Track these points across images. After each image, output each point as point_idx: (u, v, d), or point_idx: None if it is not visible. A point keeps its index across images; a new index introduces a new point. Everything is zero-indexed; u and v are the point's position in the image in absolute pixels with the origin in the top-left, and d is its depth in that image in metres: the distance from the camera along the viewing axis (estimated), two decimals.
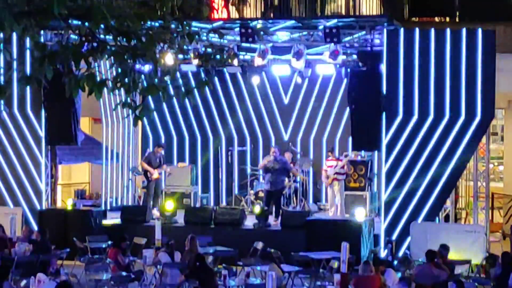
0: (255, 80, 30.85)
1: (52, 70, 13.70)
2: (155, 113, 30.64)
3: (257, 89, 31.87)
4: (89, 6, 13.63)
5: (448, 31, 28.13)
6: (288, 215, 28.88)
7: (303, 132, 32.63)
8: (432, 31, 28.06)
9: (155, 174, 29.87)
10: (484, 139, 29.56)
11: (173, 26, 18.16)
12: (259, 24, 28.82)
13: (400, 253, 27.21)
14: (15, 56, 20.07)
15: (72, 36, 14.66)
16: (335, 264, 24.70)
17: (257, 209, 29.28)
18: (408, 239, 27.48)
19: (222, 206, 30.97)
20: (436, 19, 31.69)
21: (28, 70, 15.25)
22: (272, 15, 32.81)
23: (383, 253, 27.39)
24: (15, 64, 18.47)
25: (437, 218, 28.52)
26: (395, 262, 25.41)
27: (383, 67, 27.52)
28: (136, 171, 31.47)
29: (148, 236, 27.57)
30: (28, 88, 24.01)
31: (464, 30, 27.82)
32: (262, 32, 28.39)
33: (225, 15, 32.31)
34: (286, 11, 32.38)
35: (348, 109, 29.49)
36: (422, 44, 27.74)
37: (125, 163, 31.94)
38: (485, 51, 27.16)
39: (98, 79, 14.29)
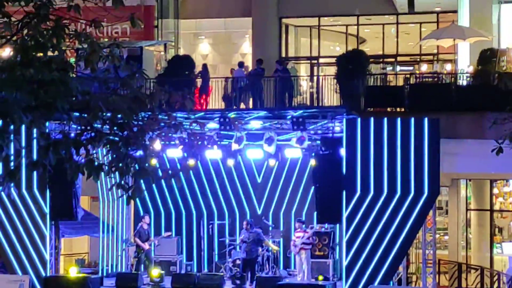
0: (231, 162, 30.99)
1: (56, 157, 15.08)
2: (146, 194, 30.96)
3: (234, 170, 32.28)
4: (87, 101, 15.01)
5: (398, 120, 28.94)
6: (261, 280, 29.18)
7: (274, 207, 33.02)
8: (385, 120, 28.89)
9: (145, 246, 30.70)
10: (431, 213, 30.18)
11: (160, 117, 19.48)
12: (234, 115, 29.99)
13: None
14: (23, 144, 20.85)
15: (73, 126, 15.99)
16: None
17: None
18: None
19: (204, 272, 31.44)
20: (388, 109, 32.21)
21: (34, 156, 16.35)
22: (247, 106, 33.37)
23: None
24: (23, 151, 19.75)
25: (391, 282, 28.89)
26: None
27: (343, 151, 28.34)
28: (129, 242, 31.90)
29: None
30: (35, 172, 25.22)
31: (412, 119, 28.51)
32: (236, 122, 29.42)
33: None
34: (260, 102, 32.88)
35: (313, 187, 30.26)
36: (376, 131, 28.41)
37: (119, 236, 32.13)
38: (430, 136, 27.91)
39: (96, 164, 15.70)
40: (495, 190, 35.74)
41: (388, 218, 28.12)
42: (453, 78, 33.88)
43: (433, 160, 27.77)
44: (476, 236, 35.26)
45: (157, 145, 24.06)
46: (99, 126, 16.10)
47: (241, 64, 35.76)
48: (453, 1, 36.74)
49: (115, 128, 16.10)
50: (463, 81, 32.56)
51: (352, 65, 32.78)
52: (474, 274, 33.72)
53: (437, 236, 33.37)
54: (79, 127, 16.09)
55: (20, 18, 13.56)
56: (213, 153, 30.28)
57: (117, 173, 16.01)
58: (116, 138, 16.05)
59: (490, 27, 34.48)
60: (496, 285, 32.68)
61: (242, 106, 33.47)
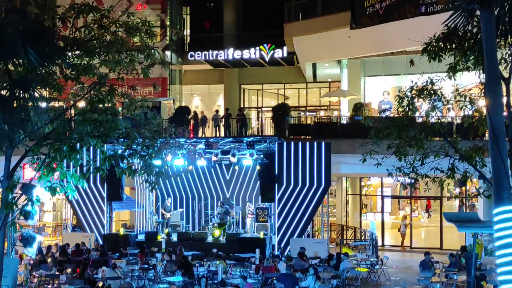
0: (211, 167, 30.86)
1: (110, 164, 15.02)
2: (162, 185, 30.77)
3: (213, 171, 31.59)
4: (128, 132, 15.09)
5: (307, 143, 28.63)
6: (229, 235, 29.02)
7: (236, 192, 32.30)
8: (300, 143, 28.63)
9: (167, 215, 30.56)
10: (326, 196, 30.38)
11: (171, 141, 19.62)
12: (213, 140, 30.01)
13: (285, 253, 27.31)
14: (91, 157, 20.81)
15: (120, 146, 16.02)
16: (253, 260, 25.34)
17: (216, 233, 29.31)
18: (289, 246, 27.72)
19: (196, 231, 30.89)
20: (302, 137, 31.61)
21: (97, 164, 16.34)
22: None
23: (277, 253, 27.38)
24: (91, 162, 19.65)
25: (303, 236, 28.57)
26: (283, 258, 25.08)
27: (275, 161, 28.26)
28: (153, 214, 31.64)
29: (158, 246, 28.32)
30: (98, 173, 25.03)
31: (315, 143, 28.21)
32: (214, 144, 29.55)
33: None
34: (228, 132, 32.75)
35: (258, 181, 30.06)
36: (295, 149, 27.93)
37: (146, 210, 31.82)
38: (325, 152, 27.59)
39: (133, 168, 15.79)
40: (362, 183, 35.66)
41: (301, 199, 27.88)
42: (338, 119, 34.12)
43: (327, 166, 27.70)
44: (351, 209, 35.25)
45: (169, 157, 24.49)
46: (135, 147, 16.16)
47: (217, 111, 35.77)
48: (338, 75, 36.81)
49: (144, 148, 16.19)
50: (344, 121, 32.67)
51: (281, 112, 32.71)
52: (351, 231, 33.78)
53: (330, 209, 33.40)
54: (123, 147, 16.24)
55: (89, 84, 13.61)
56: (201, 162, 30.00)
57: (145, 174, 16.12)
58: (144, 154, 16.13)
59: (359, 90, 34.55)
60: (363, 237, 32.81)
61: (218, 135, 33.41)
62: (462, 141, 14.72)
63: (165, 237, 29.60)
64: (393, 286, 21.63)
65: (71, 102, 13.77)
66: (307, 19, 35.50)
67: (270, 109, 35.20)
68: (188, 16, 40.69)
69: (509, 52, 10.10)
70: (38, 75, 11.82)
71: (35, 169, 13.67)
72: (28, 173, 16.61)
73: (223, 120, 33.43)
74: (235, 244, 28.40)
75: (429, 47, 13.40)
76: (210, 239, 29.51)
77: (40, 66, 11.22)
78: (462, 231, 12.48)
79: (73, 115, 13.74)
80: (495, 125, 9.40)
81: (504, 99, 11.21)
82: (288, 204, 28.38)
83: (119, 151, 18.32)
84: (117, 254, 27.27)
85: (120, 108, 17.88)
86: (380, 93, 32.59)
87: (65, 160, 14.60)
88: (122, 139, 16.67)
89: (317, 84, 39.10)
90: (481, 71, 11.52)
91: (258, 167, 29.81)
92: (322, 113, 38.00)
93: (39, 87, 12.14)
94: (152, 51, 14.54)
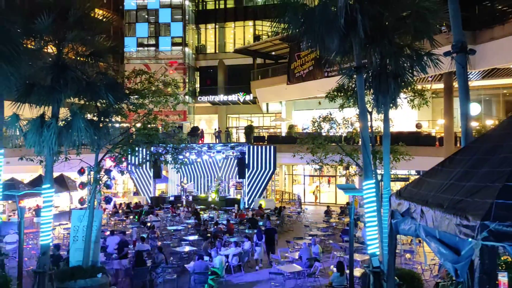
0: (210, 160, 30.75)
1: (154, 158, 14.89)
2: (183, 170, 30.60)
3: (211, 162, 30.86)
4: (164, 140, 14.95)
5: (264, 146, 28.15)
6: (220, 197, 28.55)
7: (225, 173, 30.89)
8: (260, 146, 28.11)
9: (185, 186, 30.09)
10: (273, 175, 30.11)
11: (188, 145, 19.41)
12: (212, 145, 29.81)
13: (251, 207, 26.66)
14: (144, 155, 20.74)
15: (160, 148, 15.86)
16: (233, 210, 25.35)
17: (213, 196, 29.08)
18: (253, 203, 27.20)
19: (202, 195, 30.09)
20: (261, 143, 30.81)
21: (147, 158, 16.25)
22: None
23: (246, 206, 27.32)
24: (141, 158, 19.27)
25: (261, 197, 27.72)
26: (250, 209, 24.86)
27: (246, 156, 27.89)
28: (178, 185, 31.10)
29: (181, 203, 27.89)
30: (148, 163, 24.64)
31: (268, 146, 27.93)
32: (212, 148, 29.33)
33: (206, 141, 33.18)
34: (220, 140, 32.63)
35: (236, 168, 29.19)
36: (257, 150, 27.65)
37: (174, 183, 31.09)
38: (273, 152, 27.48)
39: (166, 160, 15.54)
40: (293, 168, 34.81)
41: (260, 176, 27.74)
42: (280, 133, 34.22)
43: (274, 159, 27.72)
44: (289, 183, 35.16)
45: (187, 154, 24.12)
46: (168, 149, 15.92)
47: (215, 129, 35.45)
48: (280, 109, 36.94)
49: (173, 149, 15.91)
50: (283, 134, 32.67)
51: (249, 129, 32.73)
52: (287, 194, 33.53)
53: (275, 182, 33.30)
54: (161, 149, 15.95)
55: (142, 114, 13.55)
56: (205, 157, 29.80)
57: (173, 164, 15.85)
58: (173, 152, 15.91)
59: (291, 117, 34.79)
60: (293, 197, 32.22)
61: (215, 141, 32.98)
62: (346, 145, 14.88)
63: (185, 198, 29.20)
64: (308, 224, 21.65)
65: (133, 124, 13.69)
66: (263, 79, 35.78)
67: (244, 128, 35.07)
68: (198, 77, 40.61)
69: (371, 97, 10.22)
70: (114, 109, 11.80)
71: (112, 161, 13.69)
72: (108, 163, 16.39)
73: (217, 134, 33.39)
74: (223, 202, 28.12)
75: (329, 94, 13.54)
76: (210, 199, 29.08)
77: (115, 103, 11.21)
78: (347, 194, 12.60)
79: (133, 131, 13.65)
80: (364, 137, 9.55)
81: (369, 123, 11.38)
82: (253, 180, 28.09)
83: (160, 150, 18.22)
84: (158, 207, 26.88)
85: (160, 127, 17.98)
86: (302, 119, 31.99)
87: (129, 156, 14.53)
88: (161, 144, 16.67)
89: (269, 114, 39.04)
90: (356, 107, 11.64)
91: (236, 160, 29.20)
92: (271, 130, 37.91)
93: (114, 115, 12.13)
94: (178, 96, 14.70)
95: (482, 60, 19.74)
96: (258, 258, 15.52)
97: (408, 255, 14.72)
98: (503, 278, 5.26)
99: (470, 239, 2.96)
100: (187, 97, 35.59)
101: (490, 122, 25.16)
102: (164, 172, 31.18)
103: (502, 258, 8.22)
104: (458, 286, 7.35)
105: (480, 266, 2.85)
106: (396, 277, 8.87)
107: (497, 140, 3.98)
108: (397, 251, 15.05)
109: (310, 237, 16.78)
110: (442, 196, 3.83)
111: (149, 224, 19.88)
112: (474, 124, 22.98)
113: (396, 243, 5.71)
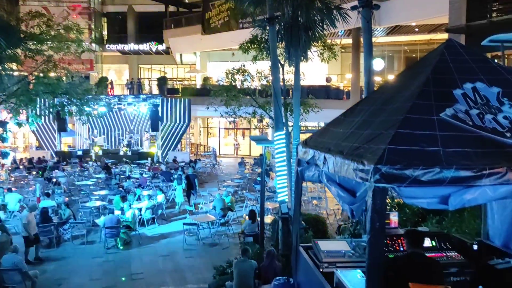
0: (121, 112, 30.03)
1: (56, 110, 13.82)
2: (92, 122, 29.17)
3: (123, 114, 30.45)
4: (67, 91, 13.93)
5: (178, 99, 27.65)
6: (133, 150, 27.82)
7: (137, 126, 30.06)
8: (173, 99, 27.59)
9: (95, 139, 28.51)
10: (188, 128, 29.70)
11: (96, 97, 18.19)
12: (123, 96, 28.38)
13: (165, 160, 26.57)
14: (46, 105, 19.18)
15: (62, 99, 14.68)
16: (147, 164, 24.98)
17: (124, 149, 28.41)
18: (168, 156, 26.86)
19: (113, 148, 29.08)
20: (175, 95, 30.12)
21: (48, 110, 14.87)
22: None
23: (160, 160, 27.08)
24: (43, 108, 17.86)
25: (175, 150, 27.24)
26: (164, 162, 24.93)
27: (159, 109, 27.08)
28: (87, 138, 29.80)
29: (90, 158, 26.96)
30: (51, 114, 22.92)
31: (182, 99, 27.24)
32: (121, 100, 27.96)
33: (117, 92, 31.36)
34: (132, 92, 31.26)
35: (150, 120, 28.09)
36: (170, 102, 27.21)
37: (82, 137, 29.34)
38: (188, 104, 26.81)
39: (71, 112, 14.37)
40: (209, 120, 34.81)
41: (174, 129, 27.14)
42: (195, 85, 33.70)
43: (189, 111, 27.15)
44: (203, 135, 34.88)
45: (95, 106, 22.88)
46: (74, 100, 14.89)
47: (126, 81, 33.75)
48: (195, 61, 36.16)
49: (78, 100, 14.86)
50: (198, 86, 32.17)
51: (162, 81, 31.67)
52: (202, 147, 33.30)
53: (190, 135, 32.83)
54: (65, 100, 14.79)
55: (41, 61, 12.43)
56: (116, 110, 28.33)
57: (79, 115, 14.79)
58: (78, 103, 14.89)
59: (206, 69, 34.30)
60: (209, 150, 32.09)
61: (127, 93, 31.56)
62: (260, 98, 15.04)
63: (94, 152, 27.97)
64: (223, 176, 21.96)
65: (31, 72, 12.56)
66: (176, 28, 34.39)
67: (156, 79, 33.82)
68: (105, 24, 38.15)
69: (283, 50, 10.33)
70: (7, 55, 10.70)
71: (8, 112, 12.62)
72: (4, 115, 15.05)
73: (129, 85, 31.97)
74: (136, 155, 27.40)
75: (242, 46, 13.43)
76: (121, 153, 28.18)
77: (8, 49, 10.14)
78: (259, 145, 12.94)
79: (32, 79, 12.54)
80: (276, 89, 9.72)
81: (281, 76, 11.55)
82: (167, 132, 27.44)
83: (64, 101, 17.04)
84: (64, 162, 25.46)
85: (64, 77, 16.69)
86: (218, 71, 31.27)
87: (28, 107, 13.45)
88: (64, 95, 15.60)
89: (183, 66, 37.99)
90: (269, 60, 11.75)
91: (150, 113, 28.12)
92: (186, 82, 37.06)
93: (7, 62, 11.02)
94: (82, 43, 13.70)
95: (387, 17, 20.80)
96: (178, 201, 16.33)
97: (315, 202, 15.66)
98: (394, 217, 5.86)
99: (365, 182, 3.16)
100: (93, 44, 33.09)
101: (392, 77, 26.85)
102: (70, 126, 29.32)
103: (395, 201, 9.16)
104: (356, 226, 8.04)
105: (372, 206, 3.08)
106: (303, 222, 9.49)
107: (393, 91, 4.27)
108: (305, 198, 16.16)
109: (224, 188, 17.15)
110: (343, 144, 4.04)
111: (54, 180, 18.81)
112: (377, 78, 24.46)
113: (302, 189, 6.01)
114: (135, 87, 31.81)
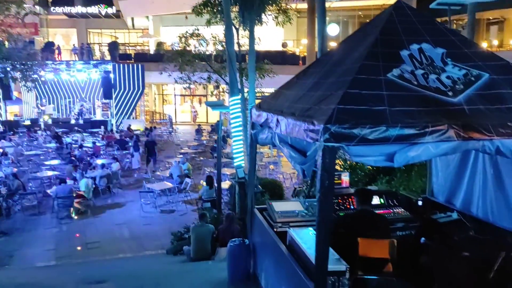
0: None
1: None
2: (40, 90, 27.88)
3: (73, 82, 29.14)
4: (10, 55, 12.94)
5: (131, 65, 26.93)
6: (85, 118, 26.96)
7: (89, 94, 28.89)
8: (126, 65, 26.86)
9: (43, 108, 27.53)
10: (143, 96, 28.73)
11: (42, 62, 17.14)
12: (72, 62, 27.06)
13: (119, 128, 26.23)
14: None
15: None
16: (100, 132, 24.20)
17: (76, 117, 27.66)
18: (122, 124, 26.23)
19: (64, 117, 27.99)
20: (127, 61, 28.84)
21: None
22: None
23: (114, 129, 26.54)
24: None
25: (130, 118, 27.04)
26: (118, 131, 24.49)
27: (111, 75, 26.24)
28: (35, 107, 28.41)
29: (39, 127, 25.78)
30: None
31: (135, 65, 26.58)
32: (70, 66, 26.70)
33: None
34: (81, 58, 29.79)
35: (102, 87, 27.01)
36: (123, 68, 26.52)
37: (29, 105, 28.09)
38: (141, 70, 26.28)
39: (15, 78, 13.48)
40: (164, 87, 33.99)
41: (128, 97, 26.48)
42: (148, 51, 32.59)
43: (142, 78, 26.48)
44: (159, 103, 34.21)
45: (42, 73, 21.65)
46: (18, 66, 14.04)
47: (74, 45, 32.12)
48: (147, 25, 34.91)
49: (22, 65, 13.90)
50: (151, 52, 31.17)
51: (113, 46, 30.33)
52: (158, 114, 32.82)
53: (145, 102, 32.18)
54: (7, 65, 13.91)
55: None
56: (65, 77, 27.07)
57: (24, 82, 13.86)
58: (22, 69, 14.00)
59: (159, 34, 33.16)
60: (164, 117, 31.56)
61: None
62: (215, 64, 14.80)
63: (43, 121, 26.84)
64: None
65: None
66: None
67: (107, 44, 32.36)
68: None
69: (237, 12, 10.12)
70: None
71: None
72: None
73: (78, 50, 30.42)
74: (89, 124, 26.68)
75: (195, 8, 13.02)
76: (73, 121, 27.21)
77: None
78: (214, 110, 12.86)
79: None
80: (230, 53, 9.59)
81: (235, 40, 11.37)
82: (121, 100, 26.77)
83: (7, 68, 16.15)
84: (11, 132, 24.30)
85: (6, 42, 15.68)
86: (171, 36, 30.39)
87: None
88: (6, 60, 14.72)
89: (135, 30, 36.54)
90: (223, 24, 11.50)
91: (101, 80, 27.17)
92: (139, 47, 35.72)
93: None
94: (22, 3, 12.78)
95: None
96: (135, 168, 16.60)
97: (272, 167, 15.93)
98: (345, 178, 6.09)
99: (315, 142, 3.21)
100: (37, 7, 30.99)
101: None
102: (16, 94, 27.79)
103: (348, 163, 9.45)
104: (311, 188, 8.26)
105: (322, 165, 3.12)
106: (259, 186, 9.65)
107: (343, 53, 4.31)
108: (262, 163, 16.41)
109: (181, 155, 17.05)
110: (295, 106, 4.06)
111: (1, 150, 17.98)
112: (333, 44, 24.57)
113: (256, 152, 6.06)
114: (85, 52, 30.26)
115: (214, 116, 30.21)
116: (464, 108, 3.40)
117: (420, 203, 5.57)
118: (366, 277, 4.32)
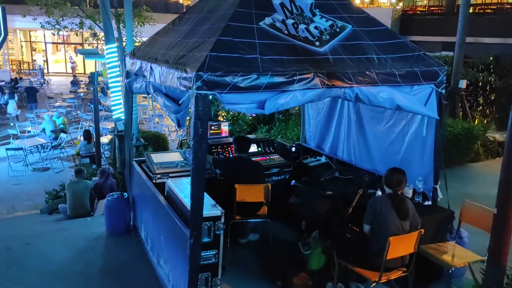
0: None
1: None
2: None
3: None
4: None
5: None
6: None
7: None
8: None
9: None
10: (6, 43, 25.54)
11: None
12: None
13: None
14: None
15: None
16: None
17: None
18: None
19: None
20: None
21: None
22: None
23: None
24: None
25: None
26: None
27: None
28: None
29: None
30: None
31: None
32: None
33: None
34: None
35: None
36: None
37: None
38: (3, 14, 22.92)
39: None
40: (29, 35, 30.38)
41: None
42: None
43: (5, 23, 23.04)
44: (27, 52, 30.68)
45: None
46: None
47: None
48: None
49: None
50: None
51: None
52: (26, 64, 29.79)
53: (9, 51, 28.51)
54: None
55: None
56: None
57: None
58: None
59: None
60: (35, 67, 28.85)
61: None
62: (89, 8, 13.58)
63: None
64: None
65: None
66: None
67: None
68: None
69: None
70: None
71: None
72: None
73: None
74: None
75: None
76: None
77: None
78: (88, 59, 11.97)
79: None
80: None
81: None
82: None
83: None
84: None
85: None
86: None
87: None
88: None
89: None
90: None
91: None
92: None
93: None
94: None
95: None
96: (13, 114, 15.97)
97: (157, 119, 15.52)
98: (225, 127, 6.18)
99: (188, 90, 3.17)
100: None
101: None
102: None
103: (230, 113, 9.61)
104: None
105: (195, 113, 3.11)
106: (142, 139, 9.34)
107: None
108: (146, 116, 15.93)
109: (55, 109, 15.88)
110: (169, 53, 3.95)
111: None
112: None
113: (133, 102, 5.78)
114: None
115: (92, 66, 28.26)
116: (329, 57, 3.62)
117: (293, 149, 5.91)
118: (242, 220, 4.57)
